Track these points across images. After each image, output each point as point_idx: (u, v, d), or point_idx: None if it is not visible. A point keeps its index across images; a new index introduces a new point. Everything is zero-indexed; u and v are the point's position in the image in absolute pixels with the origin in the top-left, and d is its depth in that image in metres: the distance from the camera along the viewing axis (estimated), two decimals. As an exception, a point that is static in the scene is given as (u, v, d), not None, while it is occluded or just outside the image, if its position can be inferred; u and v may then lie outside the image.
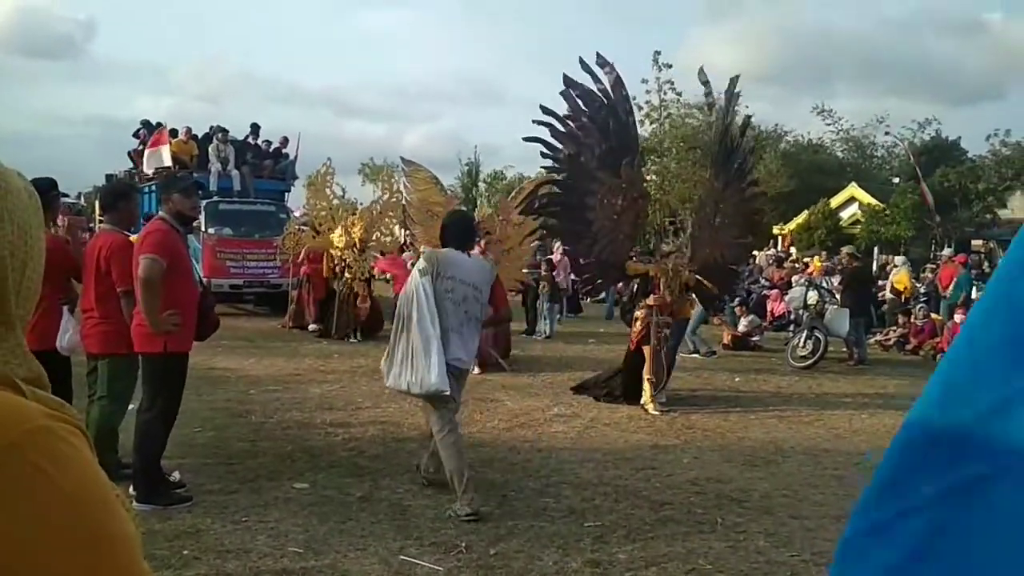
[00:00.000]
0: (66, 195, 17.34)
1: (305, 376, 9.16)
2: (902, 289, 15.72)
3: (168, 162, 16.25)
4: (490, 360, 9.69)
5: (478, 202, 34.09)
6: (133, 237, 5.22)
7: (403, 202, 11.77)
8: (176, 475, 4.99)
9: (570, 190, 8.18)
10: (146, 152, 17.25)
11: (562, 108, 7.95)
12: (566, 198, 8.27)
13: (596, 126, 7.92)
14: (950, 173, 24.87)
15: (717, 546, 4.35)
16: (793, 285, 14.56)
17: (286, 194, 18.32)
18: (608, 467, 5.83)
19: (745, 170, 8.65)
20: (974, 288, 14.00)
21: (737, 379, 10.07)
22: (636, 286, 8.51)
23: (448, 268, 4.78)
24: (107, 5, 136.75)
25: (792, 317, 13.72)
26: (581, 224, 8.10)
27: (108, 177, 19.68)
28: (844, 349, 12.14)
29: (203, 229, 14.68)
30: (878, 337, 13.94)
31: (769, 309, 15.74)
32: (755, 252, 17.90)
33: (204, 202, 13.73)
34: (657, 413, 7.69)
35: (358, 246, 12.27)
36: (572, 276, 13.57)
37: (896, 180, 28.93)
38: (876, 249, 24.25)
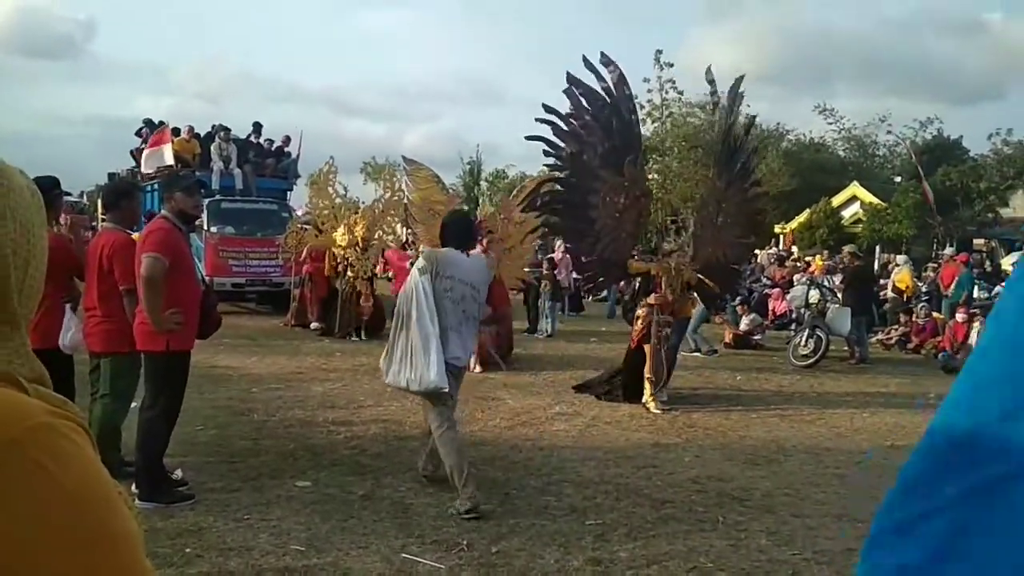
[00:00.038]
0: (68, 194, 17.32)
1: (307, 374, 9.17)
2: (904, 288, 15.70)
3: (170, 161, 16.26)
4: (491, 360, 9.69)
5: (480, 201, 34.09)
6: (135, 236, 5.23)
7: (405, 201, 11.75)
8: (178, 473, 5.00)
9: (572, 188, 8.18)
10: (145, 152, 17.23)
11: (564, 107, 7.96)
12: (568, 196, 8.27)
13: (599, 124, 7.91)
14: (952, 172, 24.83)
15: (718, 544, 4.36)
16: (795, 284, 14.57)
17: (288, 193, 18.34)
18: (610, 465, 5.84)
19: (748, 170, 8.64)
20: (975, 287, 14.00)
21: (739, 378, 10.07)
22: (638, 285, 8.51)
23: (447, 267, 4.82)
24: (107, 5, 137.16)
25: (794, 316, 13.73)
26: (583, 222, 8.10)
27: (111, 176, 19.73)
28: (845, 348, 12.13)
29: (205, 228, 14.68)
30: (879, 336, 13.92)
31: (771, 308, 15.74)
32: (757, 251, 17.90)
33: (206, 201, 13.78)
34: (658, 412, 7.69)
35: (360, 245, 12.29)
36: (574, 274, 13.57)
37: (898, 179, 28.86)
38: (878, 248, 24.24)
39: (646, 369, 7.92)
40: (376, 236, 12.58)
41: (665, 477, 5.61)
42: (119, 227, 5.12)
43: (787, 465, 6.07)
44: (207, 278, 12.21)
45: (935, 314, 13.77)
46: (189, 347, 4.80)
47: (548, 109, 7.91)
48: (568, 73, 7.85)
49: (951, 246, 20.33)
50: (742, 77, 8.49)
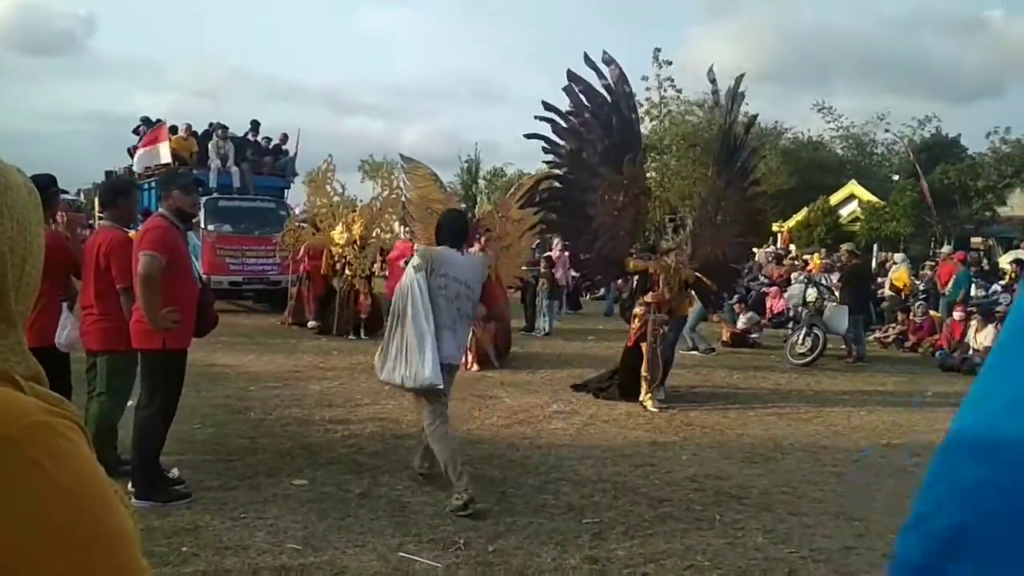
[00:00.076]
0: (65, 191, 17.28)
1: (304, 373, 9.16)
2: (901, 286, 15.72)
3: (167, 159, 16.22)
4: (486, 356, 9.68)
5: (478, 199, 34.08)
6: (132, 233, 5.22)
7: (403, 199, 11.75)
8: (175, 471, 4.99)
9: (571, 186, 8.17)
10: (139, 151, 17.15)
11: (563, 105, 7.95)
12: (567, 193, 8.27)
13: (598, 122, 7.90)
14: (950, 170, 24.89)
15: (715, 542, 4.36)
16: (792, 282, 14.57)
17: (286, 191, 18.31)
18: (607, 464, 5.84)
19: (748, 169, 8.63)
20: (973, 285, 14.01)
21: (736, 376, 10.08)
22: (636, 283, 8.51)
23: (442, 265, 4.84)
24: (106, 1, 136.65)
25: (791, 314, 13.72)
26: (582, 220, 8.09)
27: (108, 174, 19.67)
28: (843, 346, 12.14)
29: (203, 226, 14.64)
30: (877, 334, 13.95)
31: (768, 306, 15.75)
32: (755, 249, 17.90)
33: (204, 199, 13.74)
34: (656, 410, 7.70)
35: (358, 243, 12.28)
36: (572, 273, 13.56)
37: (896, 177, 28.94)
38: (875, 246, 24.30)
39: (643, 367, 7.93)
40: (374, 234, 12.58)
41: (662, 475, 5.61)
42: (116, 225, 5.12)
43: (784, 463, 6.07)
44: (204, 276, 12.15)
45: (932, 312, 13.79)
46: (186, 345, 4.80)
47: (548, 107, 7.89)
48: (568, 70, 7.85)
49: (949, 244, 20.38)
50: (742, 76, 8.45)
